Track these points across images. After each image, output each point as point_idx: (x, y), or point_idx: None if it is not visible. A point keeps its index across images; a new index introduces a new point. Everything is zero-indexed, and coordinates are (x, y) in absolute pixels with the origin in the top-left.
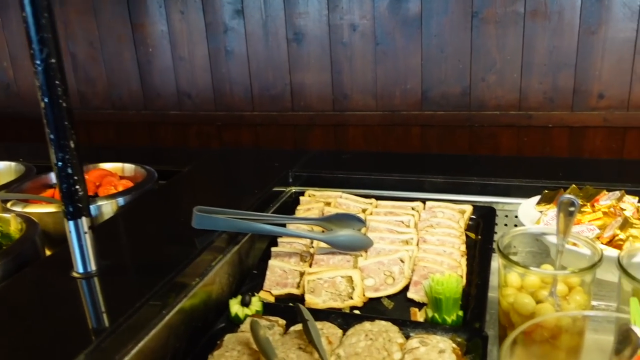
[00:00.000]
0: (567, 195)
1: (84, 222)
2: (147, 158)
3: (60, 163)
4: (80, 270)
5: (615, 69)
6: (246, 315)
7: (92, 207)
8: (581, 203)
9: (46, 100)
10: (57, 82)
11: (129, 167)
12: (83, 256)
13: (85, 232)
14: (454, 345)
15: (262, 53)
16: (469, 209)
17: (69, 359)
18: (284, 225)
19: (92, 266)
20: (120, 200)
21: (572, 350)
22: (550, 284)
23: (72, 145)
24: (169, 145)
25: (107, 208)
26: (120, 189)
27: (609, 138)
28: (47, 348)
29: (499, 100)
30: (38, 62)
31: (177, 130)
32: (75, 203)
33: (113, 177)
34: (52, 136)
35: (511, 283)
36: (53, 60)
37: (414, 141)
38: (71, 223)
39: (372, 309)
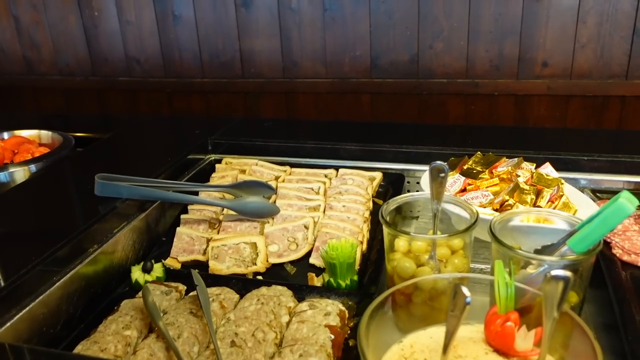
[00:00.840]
0: (437, 162)
1: None
2: (72, 125)
3: None
4: None
5: (559, 37)
6: (146, 282)
7: (4, 173)
8: (480, 169)
9: None
10: None
11: (45, 134)
12: None
13: None
14: (341, 307)
15: (211, 18)
16: (378, 175)
17: None
18: (195, 193)
19: None
20: (33, 167)
21: None
22: None
23: None
24: (118, 112)
25: (19, 175)
26: (37, 155)
27: (552, 106)
28: None
29: (446, 68)
30: None
31: (127, 97)
32: None
33: (31, 144)
34: None
35: (399, 248)
36: None
37: (364, 109)
38: None
39: (275, 275)
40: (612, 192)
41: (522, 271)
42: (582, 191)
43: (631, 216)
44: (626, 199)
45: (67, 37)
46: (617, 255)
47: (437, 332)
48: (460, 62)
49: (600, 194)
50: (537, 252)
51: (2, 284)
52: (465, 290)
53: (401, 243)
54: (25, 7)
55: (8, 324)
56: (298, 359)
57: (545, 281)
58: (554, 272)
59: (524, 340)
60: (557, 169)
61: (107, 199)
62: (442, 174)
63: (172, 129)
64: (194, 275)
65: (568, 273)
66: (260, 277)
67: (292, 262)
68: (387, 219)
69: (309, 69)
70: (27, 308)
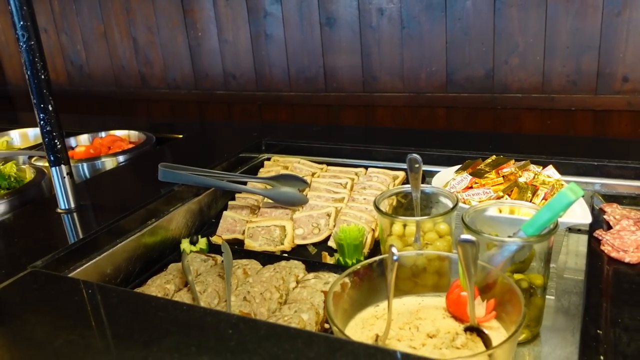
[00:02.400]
0: (413, 155)
1: (63, 168)
2: (161, 128)
3: (42, 122)
4: (62, 207)
5: None
6: (191, 251)
7: (98, 162)
8: (487, 170)
9: (28, 73)
10: (36, 59)
11: (134, 134)
12: (64, 196)
13: (64, 177)
14: (345, 280)
15: (298, 37)
16: (401, 174)
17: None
18: (244, 184)
19: (72, 204)
20: (120, 158)
21: (433, 288)
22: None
23: (50, 108)
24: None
25: (109, 164)
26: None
27: (634, 122)
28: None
29: (521, 83)
30: (21, 43)
31: (223, 109)
32: (55, 153)
33: (122, 141)
34: (34, 101)
35: (394, 232)
36: (32, 42)
37: (439, 122)
38: (53, 169)
39: (298, 253)
40: (625, 197)
41: (486, 252)
42: (593, 196)
43: (631, 218)
44: (570, 189)
45: (175, 55)
46: (606, 251)
47: (409, 300)
48: (536, 77)
49: (614, 198)
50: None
51: (77, 239)
52: (394, 249)
53: (396, 228)
54: (142, 29)
55: (77, 270)
56: (292, 314)
57: (459, 244)
58: (463, 237)
59: (476, 308)
60: (579, 174)
61: (168, 183)
62: (417, 165)
63: (237, 132)
64: (222, 246)
65: (473, 238)
66: (285, 255)
67: (314, 244)
68: (381, 207)
69: (387, 84)
70: (94, 260)
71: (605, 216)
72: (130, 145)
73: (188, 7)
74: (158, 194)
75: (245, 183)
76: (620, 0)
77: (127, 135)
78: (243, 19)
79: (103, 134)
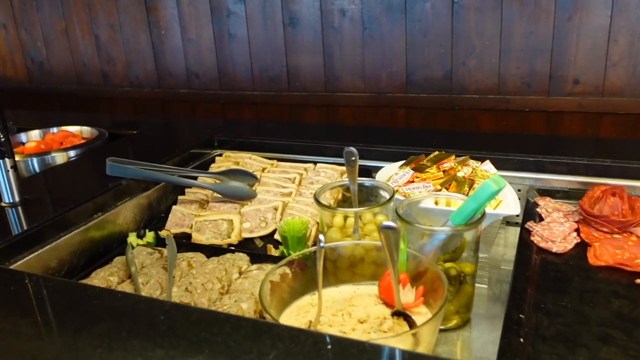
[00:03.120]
0: (350, 148)
1: (7, 162)
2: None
3: None
4: (6, 200)
5: (590, 55)
6: (138, 244)
7: (49, 157)
8: (429, 165)
9: None
10: None
11: (86, 130)
12: (8, 189)
13: (8, 170)
14: (286, 271)
15: (261, 36)
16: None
17: None
18: (194, 179)
19: (16, 197)
20: (71, 153)
21: (371, 277)
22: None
23: None
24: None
25: (59, 158)
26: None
27: (584, 123)
28: None
29: (478, 85)
30: None
31: (186, 107)
32: None
33: (75, 137)
34: None
35: (336, 224)
36: None
37: (399, 122)
38: None
39: (245, 246)
40: (558, 191)
41: (419, 242)
42: (528, 190)
43: (562, 211)
44: (493, 180)
45: (137, 54)
46: (535, 242)
47: (345, 289)
48: (492, 78)
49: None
50: None
51: (20, 231)
52: (321, 237)
53: (337, 220)
54: (104, 27)
55: (19, 262)
56: (232, 303)
57: (380, 231)
58: (384, 223)
59: (405, 294)
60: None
61: (117, 178)
62: (353, 158)
63: (191, 128)
64: (167, 239)
65: (394, 224)
66: (232, 248)
67: (261, 237)
68: (322, 200)
69: (349, 84)
70: (36, 253)
71: (538, 209)
72: (83, 141)
73: (151, 5)
74: (105, 188)
75: (195, 178)
76: (570, 6)
77: (79, 131)
78: (206, 17)
79: (55, 129)
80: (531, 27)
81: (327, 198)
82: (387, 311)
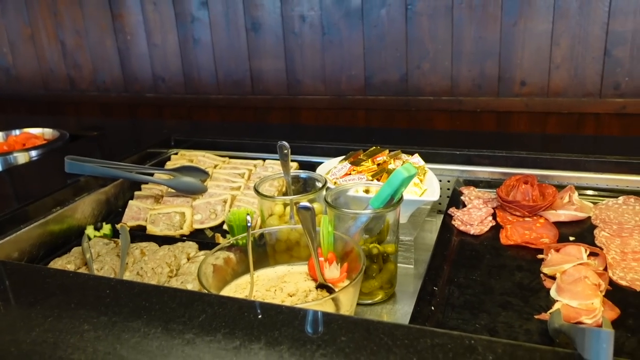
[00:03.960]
0: (282, 142)
1: None
2: (82, 127)
3: None
4: None
5: (535, 58)
6: (95, 236)
7: (11, 157)
8: (364, 158)
9: None
10: None
11: (48, 132)
12: None
13: None
14: (230, 256)
15: (225, 41)
16: (294, 165)
17: None
18: (151, 175)
19: None
20: (33, 153)
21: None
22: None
23: None
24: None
25: (21, 158)
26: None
27: (531, 123)
28: None
29: (433, 87)
30: None
31: (154, 112)
32: None
33: (37, 139)
34: None
35: (276, 212)
36: None
37: (359, 124)
38: None
39: (196, 236)
40: (481, 181)
41: (345, 225)
42: (456, 180)
43: (482, 198)
44: (404, 168)
45: (104, 59)
46: (456, 225)
47: (280, 269)
48: (445, 81)
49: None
50: None
51: None
52: (248, 217)
53: (277, 208)
54: (70, 32)
55: None
56: (179, 285)
57: (297, 211)
58: (300, 204)
59: (331, 271)
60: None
61: (75, 175)
62: (286, 151)
63: (151, 129)
64: (120, 229)
65: (309, 204)
66: (184, 237)
67: (211, 228)
68: (262, 190)
69: (310, 87)
70: None
71: (462, 197)
72: (44, 142)
73: (116, 11)
74: (63, 183)
75: (152, 175)
76: (515, 12)
77: (41, 133)
78: (171, 23)
79: (17, 131)
80: (480, 32)
81: (271, 190)
82: (314, 285)
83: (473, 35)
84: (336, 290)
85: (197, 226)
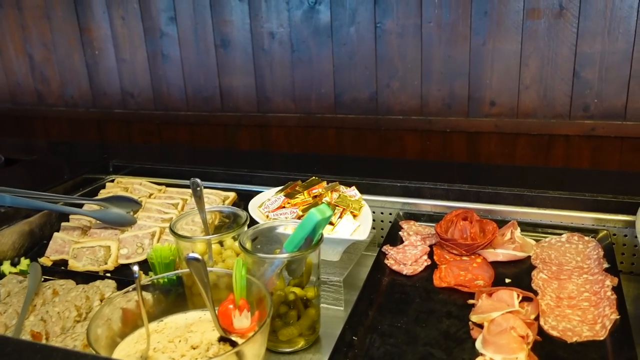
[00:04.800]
0: (195, 179)
1: None
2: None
3: None
4: None
5: (504, 78)
6: (10, 272)
7: None
8: (300, 190)
9: None
10: None
11: None
12: None
13: None
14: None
15: (194, 57)
16: (232, 195)
17: None
18: (80, 205)
19: None
20: None
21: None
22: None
23: None
24: (115, 142)
25: None
26: None
27: (501, 143)
28: None
29: (402, 106)
30: None
31: (123, 128)
32: None
33: None
34: None
35: (197, 250)
36: None
37: (329, 142)
38: None
39: (121, 272)
40: (423, 215)
41: (261, 269)
42: (399, 214)
43: (421, 234)
44: (318, 210)
45: (72, 73)
46: (388, 264)
47: (192, 315)
48: (415, 100)
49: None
50: None
51: None
52: (135, 268)
53: (199, 246)
54: (38, 46)
55: None
56: (84, 331)
57: (186, 262)
58: (189, 255)
59: (240, 320)
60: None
61: None
62: (198, 188)
63: (89, 154)
64: (30, 267)
65: (198, 255)
66: (107, 274)
67: (138, 263)
68: (177, 227)
69: (280, 105)
70: None
71: (400, 232)
72: None
73: (84, 25)
74: None
75: (81, 205)
76: (484, 32)
77: None
78: (140, 38)
79: None
80: (449, 51)
81: (194, 229)
82: (216, 337)
83: (442, 55)
84: (239, 343)
85: (122, 261)
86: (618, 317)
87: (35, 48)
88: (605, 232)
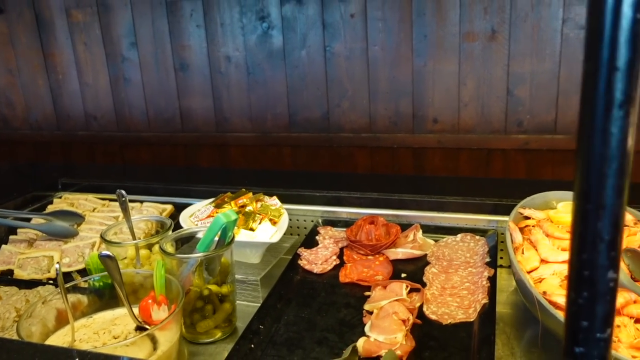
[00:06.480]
0: (120, 190)
1: None
2: None
3: None
4: None
5: (445, 97)
6: None
7: None
8: (227, 201)
9: None
10: None
11: None
12: None
13: None
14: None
15: (155, 81)
16: (169, 207)
17: None
18: (28, 219)
19: None
20: None
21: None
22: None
23: None
24: (79, 163)
25: None
26: None
27: (445, 158)
28: None
29: (352, 124)
30: None
31: (86, 149)
32: None
33: None
34: None
35: (129, 256)
36: None
37: (285, 160)
38: None
39: (65, 279)
40: (340, 221)
41: (180, 268)
42: (318, 221)
43: (334, 237)
44: (224, 214)
45: (36, 97)
46: (301, 264)
47: (119, 311)
48: (364, 118)
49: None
50: None
51: None
52: (57, 266)
53: (130, 252)
54: (2, 71)
55: None
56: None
57: (100, 259)
58: (101, 253)
59: (158, 313)
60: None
61: None
62: (123, 198)
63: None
64: None
65: (109, 253)
66: (50, 282)
67: (78, 271)
68: (109, 237)
69: (238, 124)
70: None
71: (317, 237)
72: None
73: (48, 51)
74: None
75: (29, 219)
76: (425, 53)
77: None
78: (102, 63)
79: None
80: (394, 73)
81: (138, 232)
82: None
83: (388, 76)
84: (154, 330)
85: (64, 269)
86: (487, 301)
87: (1, 73)
88: (492, 231)
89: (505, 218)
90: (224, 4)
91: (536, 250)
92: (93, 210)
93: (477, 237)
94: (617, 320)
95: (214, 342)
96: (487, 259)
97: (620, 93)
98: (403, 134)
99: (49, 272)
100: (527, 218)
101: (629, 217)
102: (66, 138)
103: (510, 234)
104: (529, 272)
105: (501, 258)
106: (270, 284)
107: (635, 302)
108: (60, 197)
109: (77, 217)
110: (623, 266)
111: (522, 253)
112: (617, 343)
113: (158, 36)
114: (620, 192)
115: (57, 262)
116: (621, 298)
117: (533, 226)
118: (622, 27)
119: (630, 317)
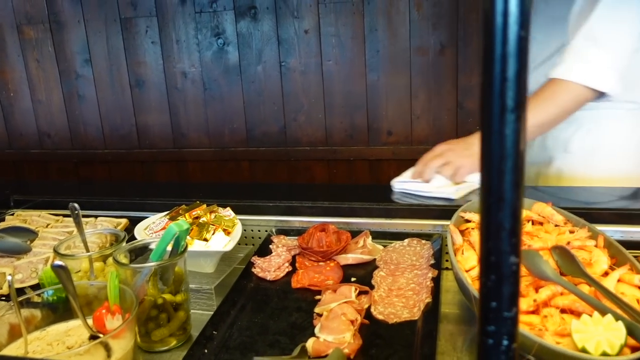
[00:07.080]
0: (73, 204)
1: None
2: None
3: None
4: None
5: (398, 110)
6: None
7: None
8: (182, 213)
9: None
10: None
11: None
12: None
13: None
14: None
15: (110, 97)
16: (124, 221)
17: None
18: None
19: None
20: None
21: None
22: None
23: None
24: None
25: None
26: None
27: (400, 169)
28: None
29: (309, 138)
30: None
31: (39, 167)
32: None
33: None
34: None
35: (83, 269)
36: None
37: (244, 174)
38: None
39: (18, 295)
40: (293, 230)
41: (134, 278)
42: (271, 231)
43: (287, 246)
44: (176, 224)
45: None
46: (255, 272)
47: (73, 323)
48: (320, 132)
49: (284, 232)
50: None
51: None
52: (9, 278)
53: (84, 265)
54: None
55: None
56: None
57: (52, 269)
58: (54, 263)
59: (112, 322)
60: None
61: None
62: (76, 212)
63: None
64: None
65: (61, 263)
66: (3, 297)
67: (31, 287)
68: (61, 248)
69: (195, 140)
70: None
71: (271, 245)
72: None
73: None
74: None
75: None
76: (377, 68)
77: None
78: (55, 80)
79: None
80: (348, 87)
81: (92, 246)
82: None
83: (342, 90)
84: (107, 339)
85: (18, 286)
86: (430, 300)
87: None
88: (438, 235)
89: (447, 222)
90: (179, 20)
91: (475, 250)
92: (46, 226)
93: (424, 241)
94: (545, 310)
95: (169, 350)
96: (432, 261)
97: (511, 100)
98: (359, 147)
99: (1, 288)
100: (468, 221)
101: (559, 217)
102: (18, 157)
103: (452, 236)
104: (467, 271)
105: (447, 260)
106: (225, 293)
107: (561, 294)
108: (12, 214)
109: (30, 234)
110: (552, 262)
111: (462, 253)
112: (543, 331)
113: (113, 53)
114: (517, 186)
115: (9, 274)
116: (548, 291)
117: (472, 228)
118: (509, 43)
119: (557, 308)
